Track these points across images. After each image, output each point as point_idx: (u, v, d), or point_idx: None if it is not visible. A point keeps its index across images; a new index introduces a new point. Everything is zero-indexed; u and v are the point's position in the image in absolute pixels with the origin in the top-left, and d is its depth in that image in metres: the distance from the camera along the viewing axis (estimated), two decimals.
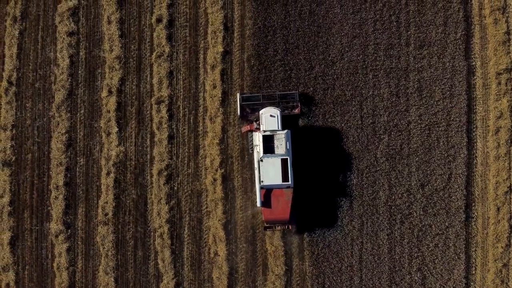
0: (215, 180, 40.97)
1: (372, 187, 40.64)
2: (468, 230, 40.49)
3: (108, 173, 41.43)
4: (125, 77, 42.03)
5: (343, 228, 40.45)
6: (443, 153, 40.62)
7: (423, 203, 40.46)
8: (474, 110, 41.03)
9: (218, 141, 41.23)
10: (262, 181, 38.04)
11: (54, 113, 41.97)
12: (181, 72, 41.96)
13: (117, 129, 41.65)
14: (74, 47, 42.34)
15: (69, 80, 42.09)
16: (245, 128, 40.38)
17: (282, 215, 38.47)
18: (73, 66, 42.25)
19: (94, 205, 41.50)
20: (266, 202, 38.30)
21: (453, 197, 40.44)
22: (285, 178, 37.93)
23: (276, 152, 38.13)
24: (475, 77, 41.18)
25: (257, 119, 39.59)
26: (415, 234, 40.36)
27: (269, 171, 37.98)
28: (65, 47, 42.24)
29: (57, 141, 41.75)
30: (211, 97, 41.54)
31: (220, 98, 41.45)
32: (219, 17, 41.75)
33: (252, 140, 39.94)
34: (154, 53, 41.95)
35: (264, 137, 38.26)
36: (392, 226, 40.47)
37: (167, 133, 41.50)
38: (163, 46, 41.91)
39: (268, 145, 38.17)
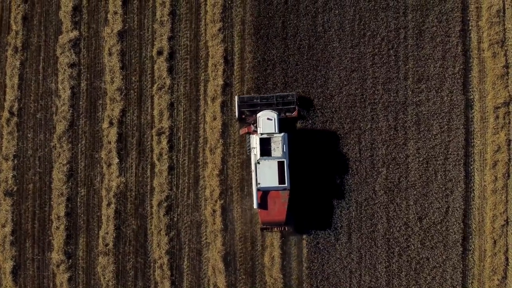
0: (214, 211, 41.37)
1: (371, 220, 41.02)
2: (465, 263, 40.87)
3: (108, 204, 41.84)
4: (126, 108, 42.41)
5: (341, 260, 40.83)
6: (441, 186, 40.98)
7: (421, 236, 40.84)
8: (472, 144, 41.36)
9: (218, 172, 41.61)
10: (258, 183, 38.54)
11: (55, 144, 42.36)
12: (182, 104, 42.33)
13: (118, 160, 42.04)
14: (75, 78, 42.71)
15: (70, 111, 42.48)
16: (243, 130, 40.86)
17: (279, 217, 38.98)
18: (74, 97, 42.64)
19: (95, 236, 41.92)
20: (263, 204, 38.79)
21: (450, 230, 40.83)
22: (281, 180, 38.43)
23: (272, 155, 38.63)
24: (473, 111, 41.52)
25: (255, 122, 40.04)
26: (412, 267, 40.75)
27: (266, 174, 38.50)
28: (66, 78, 42.62)
29: (59, 172, 42.16)
30: (211, 129, 41.91)
31: (220, 130, 41.81)
32: (220, 50, 42.09)
33: (249, 143, 40.40)
34: (155, 85, 42.31)
35: (261, 139, 38.80)
36: (390, 258, 40.85)
37: (167, 164, 41.89)
38: (164, 78, 42.27)
39: (265, 147, 38.71)
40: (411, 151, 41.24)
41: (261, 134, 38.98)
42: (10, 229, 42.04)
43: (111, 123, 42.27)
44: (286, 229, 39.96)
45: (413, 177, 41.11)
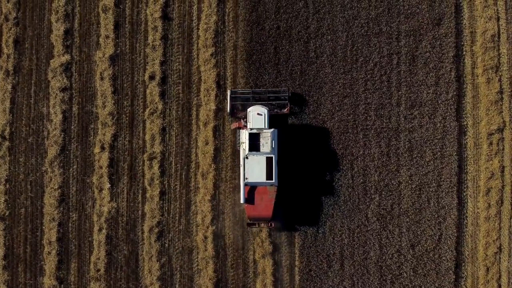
0: (206, 237, 41.19)
1: (363, 247, 40.80)
2: None
3: (100, 229, 41.70)
4: (117, 133, 42.23)
5: None
6: (434, 214, 40.73)
7: (414, 264, 40.62)
8: (465, 171, 41.08)
9: (209, 198, 41.43)
10: (246, 178, 38.53)
11: (47, 168, 42.22)
12: (174, 129, 42.14)
13: (109, 185, 41.88)
14: (67, 103, 42.53)
15: (62, 135, 42.30)
16: (234, 125, 40.79)
17: (265, 212, 38.96)
18: (66, 121, 42.47)
19: (86, 261, 41.81)
20: (250, 199, 38.79)
21: (443, 258, 40.59)
22: (269, 176, 38.40)
23: (261, 150, 38.58)
24: (466, 137, 41.22)
25: (245, 117, 39.95)
26: None
27: (254, 169, 38.48)
28: (58, 102, 42.43)
29: (50, 196, 42.02)
30: (203, 154, 41.72)
31: (213, 155, 41.63)
32: (212, 75, 41.88)
33: (239, 137, 40.36)
34: (147, 110, 42.10)
35: (250, 134, 38.72)
36: (383, 286, 40.64)
37: (158, 189, 41.72)
38: (156, 103, 42.07)
39: (254, 143, 38.69)
40: (403, 178, 40.99)
41: (251, 129, 38.90)
42: (2, 254, 41.93)
43: (102, 148, 42.10)
44: (273, 225, 39.86)
45: (405, 204, 40.88)
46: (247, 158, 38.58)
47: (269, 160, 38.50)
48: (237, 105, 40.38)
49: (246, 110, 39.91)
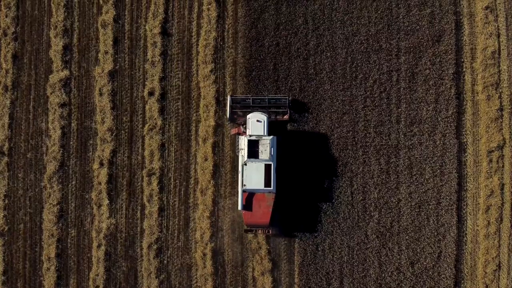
0: (205, 254, 41.10)
1: (363, 265, 40.71)
2: None
3: (99, 246, 41.63)
4: (116, 149, 42.15)
5: None
6: (433, 231, 40.63)
7: (413, 282, 40.52)
8: (465, 188, 40.96)
9: (208, 214, 41.35)
10: (244, 185, 38.45)
11: (45, 184, 42.15)
12: (173, 145, 42.05)
13: (108, 201, 41.80)
14: (66, 118, 42.44)
15: (61, 151, 42.23)
16: (233, 131, 40.79)
17: (263, 219, 38.94)
18: (65, 137, 42.38)
19: (85, 277, 41.74)
20: (248, 206, 38.73)
21: (442, 276, 40.50)
22: (267, 183, 38.32)
23: (260, 157, 38.49)
24: (466, 154, 41.09)
25: (244, 123, 39.89)
26: None
27: (252, 176, 38.45)
28: (56, 118, 42.35)
29: (49, 212, 41.95)
30: (202, 170, 41.64)
31: (212, 171, 41.54)
32: (211, 91, 41.78)
33: (238, 143, 40.33)
34: (146, 126, 42.00)
35: (249, 141, 38.71)
36: None
37: (157, 206, 41.64)
38: (155, 119, 41.97)
39: (253, 149, 38.65)
40: (403, 195, 40.88)
41: (250, 136, 38.82)
42: (2, 269, 41.92)
43: (101, 164, 42.03)
44: (270, 232, 39.81)
45: (405, 221, 40.77)
46: (245, 164, 38.50)
47: (267, 167, 38.43)
48: (237, 111, 40.24)
49: (246, 117, 39.81)
